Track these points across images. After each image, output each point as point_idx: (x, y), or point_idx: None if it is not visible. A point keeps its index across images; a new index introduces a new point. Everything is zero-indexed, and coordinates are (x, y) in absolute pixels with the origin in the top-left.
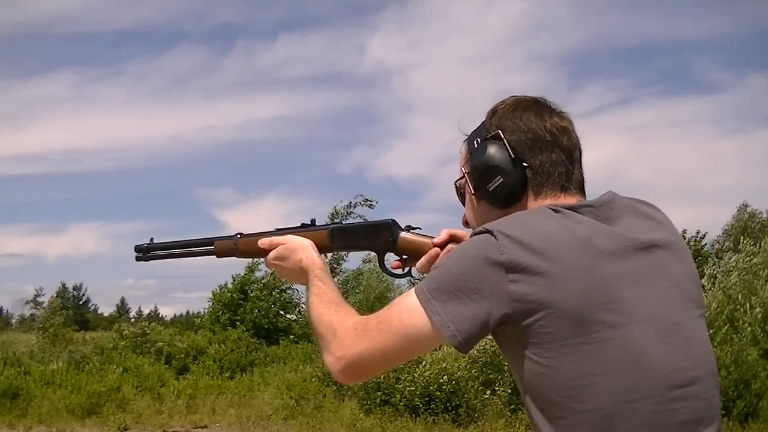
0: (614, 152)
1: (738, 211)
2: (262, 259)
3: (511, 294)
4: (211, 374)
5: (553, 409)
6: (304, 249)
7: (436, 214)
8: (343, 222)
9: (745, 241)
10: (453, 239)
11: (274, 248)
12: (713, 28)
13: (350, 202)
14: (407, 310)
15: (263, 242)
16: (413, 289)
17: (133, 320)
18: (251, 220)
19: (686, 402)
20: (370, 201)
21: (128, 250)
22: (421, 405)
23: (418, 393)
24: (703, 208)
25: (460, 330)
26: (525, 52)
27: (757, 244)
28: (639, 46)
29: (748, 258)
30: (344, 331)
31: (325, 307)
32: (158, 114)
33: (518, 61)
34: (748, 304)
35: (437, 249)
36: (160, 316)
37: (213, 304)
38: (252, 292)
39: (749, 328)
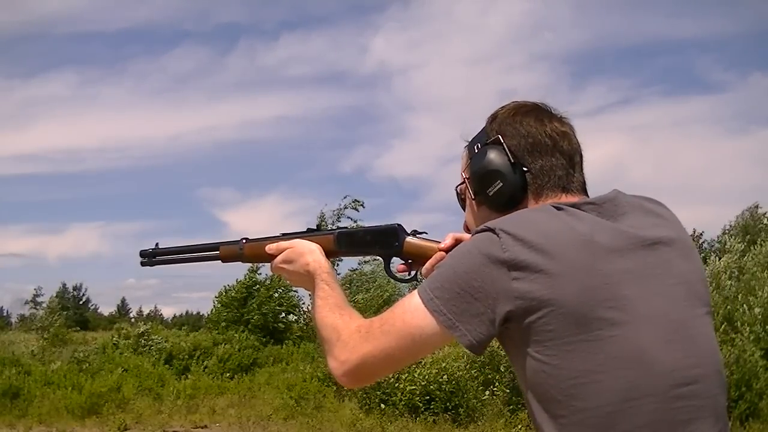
0: (616, 152)
1: (748, 208)
2: (267, 264)
3: (514, 291)
4: (212, 374)
5: (555, 407)
6: (311, 252)
7: (437, 214)
8: (349, 227)
9: (732, 241)
10: (459, 243)
11: (281, 253)
12: (716, 28)
13: (338, 206)
14: (410, 311)
15: (270, 248)
16: (416, 289)
17: (133, 320)
18: (252, 220)
19: (689, 401)
20: (358, 202)
21: (129, 250)
22: (421, 405)
23: (417, 393)
24: (704, 208)
25: (469, 329)
26: (527, 52)
27: (758, 245)
28: (641, 45)
29: (737, 257)
30: (348, 334)
31: (330, 310)
32: (160, 114)
33: (520, 60)
34: (746, 305)
35: (441, 253)
36: (160, 316)
37: (218, 304)
38: (258, 291)
39: (749, 328)
